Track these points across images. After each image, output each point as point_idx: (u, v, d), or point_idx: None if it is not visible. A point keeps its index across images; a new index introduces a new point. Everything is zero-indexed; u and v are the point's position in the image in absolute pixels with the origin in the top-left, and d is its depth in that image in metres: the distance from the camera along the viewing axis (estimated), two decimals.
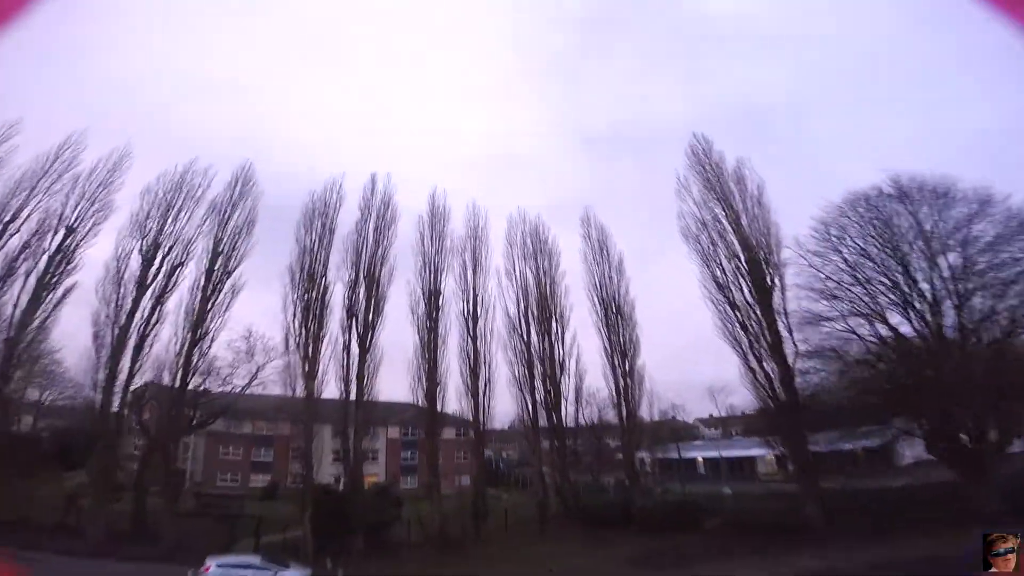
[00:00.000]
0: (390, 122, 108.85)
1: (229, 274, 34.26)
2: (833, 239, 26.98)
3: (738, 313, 28.72)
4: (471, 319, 35.76)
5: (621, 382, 32.87)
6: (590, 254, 36.86)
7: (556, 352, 34.05)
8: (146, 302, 31.76)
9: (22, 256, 30.32)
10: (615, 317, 34.36)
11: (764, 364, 27.46)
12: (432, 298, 36.25)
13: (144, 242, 32.34)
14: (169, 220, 33.21)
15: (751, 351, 27.87)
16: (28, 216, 30.89)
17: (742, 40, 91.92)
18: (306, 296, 34.67)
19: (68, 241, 31.50)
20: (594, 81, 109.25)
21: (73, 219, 31.75)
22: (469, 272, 37.07)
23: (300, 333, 33.52)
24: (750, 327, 28.16)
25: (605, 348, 33.78)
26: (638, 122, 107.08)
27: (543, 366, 33.63)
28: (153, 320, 31.67)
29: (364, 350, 34.08)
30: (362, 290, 35.65)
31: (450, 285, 36.60)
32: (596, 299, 35.26)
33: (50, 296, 30.59)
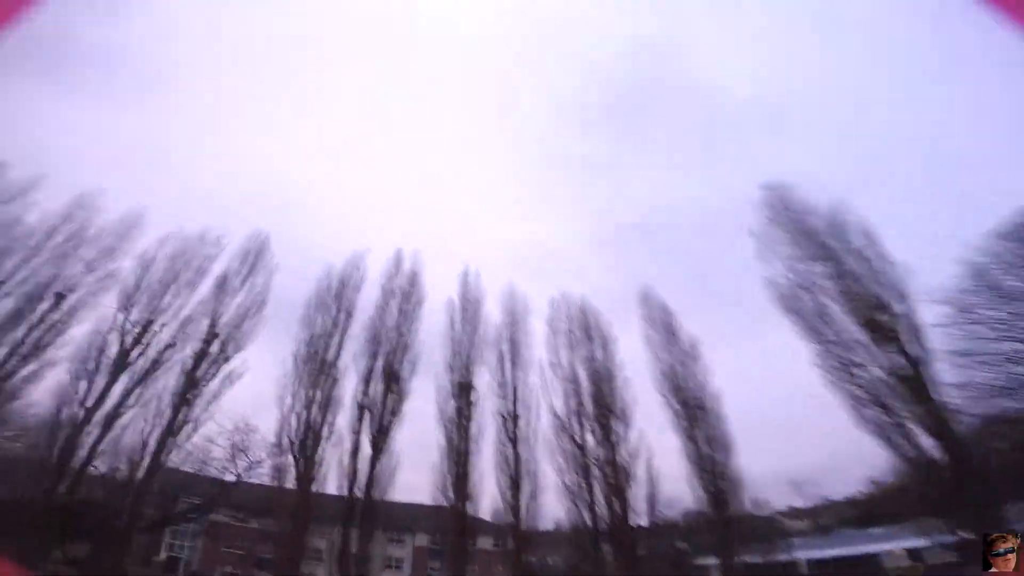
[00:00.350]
0: (419, 204, 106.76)
1: (227, 359, 29.39)
2: (988, 289, 20.59)
3: (873, 393, 21.32)
4: (511, 418, 28.93)
5: (711, 487, 24.43)
6: (656, 338, 30.29)
7: (619, 456, 26.25)
8: (126, 382, 26.77)
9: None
10: (694, 410, 26.90)
11: (920, 445, 19.64)
12: (463, 393, 30.01)
13: (129, 317, 28.02)
14: (167, 295, 29.23)
15: (903, 437, 20.02)
16: (25, 279, 27.53)
17: (773, 116, 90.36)
18: (313, 387, 29.16)
19: (53, 310, 27.57)
20: (626, 172, 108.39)
21: (64, 287, 28.10)
22: (507, 363, 30.95)
23: (301, 429, 27.58)
24: (895, 407, 20.60)
25: (686, 448, 25.89)
26: (678, 207, 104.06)
27: (603, 472, 25.65)
28: (128, 403, 26.39)
29: (378, 452, 27.44)
30: (380, 385, 30.04)
31: (484, 378, 30.55)
32: (668, 390, 28.05)
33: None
